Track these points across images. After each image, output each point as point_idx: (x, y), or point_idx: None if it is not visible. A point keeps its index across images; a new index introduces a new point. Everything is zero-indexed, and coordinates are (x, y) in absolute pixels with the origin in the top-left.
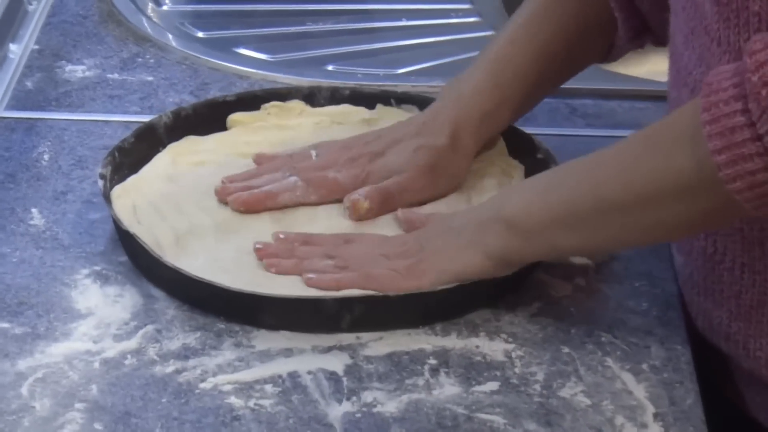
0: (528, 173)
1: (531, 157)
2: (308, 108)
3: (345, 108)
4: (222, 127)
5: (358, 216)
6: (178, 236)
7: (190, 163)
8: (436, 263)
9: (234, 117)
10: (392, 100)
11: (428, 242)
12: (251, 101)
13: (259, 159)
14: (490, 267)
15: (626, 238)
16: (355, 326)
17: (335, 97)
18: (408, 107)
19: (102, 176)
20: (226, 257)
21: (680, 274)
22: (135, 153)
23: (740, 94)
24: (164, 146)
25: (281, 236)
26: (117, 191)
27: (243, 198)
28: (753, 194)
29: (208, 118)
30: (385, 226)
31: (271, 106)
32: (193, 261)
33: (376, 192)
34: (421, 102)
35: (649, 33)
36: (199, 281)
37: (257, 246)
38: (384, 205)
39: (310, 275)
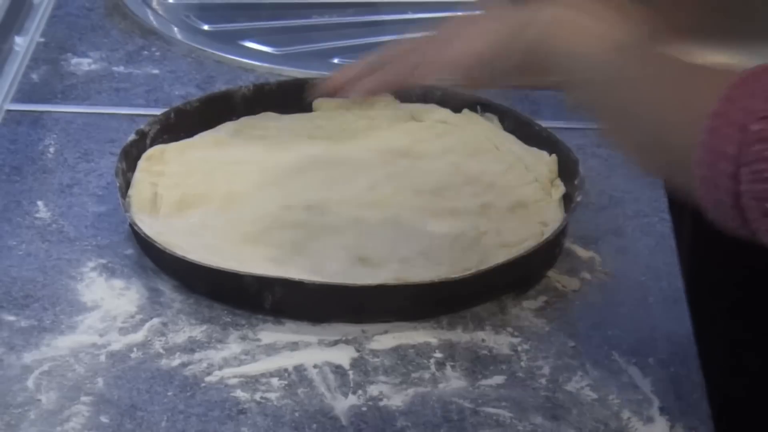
0: (565, 196)
1: (570, 181)
2: (396, 102)
3: (430, 107)
4: (306, 108)
5: None
6: (183, 199)
7: (250, 137)
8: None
9: (320, 100)
10: (478, 107)
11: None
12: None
13: None
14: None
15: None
16: (279, 310)
17: (427, 96)
18: (489, 116)
19: (138, 132)
20: (214, 224)
21: None
22: (197, 117)
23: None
24: (238, 117)
25: None
26: (151, 153)
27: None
28: (717, 213)
29: (291, 96)
30: (401, 203)
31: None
32: (179, 223)
33: None
34: (502, 112)
35: None
36: (148, 240)
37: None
38: None
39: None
